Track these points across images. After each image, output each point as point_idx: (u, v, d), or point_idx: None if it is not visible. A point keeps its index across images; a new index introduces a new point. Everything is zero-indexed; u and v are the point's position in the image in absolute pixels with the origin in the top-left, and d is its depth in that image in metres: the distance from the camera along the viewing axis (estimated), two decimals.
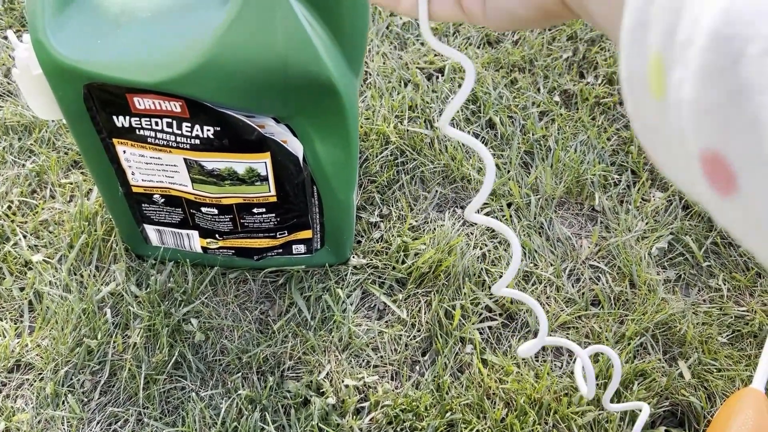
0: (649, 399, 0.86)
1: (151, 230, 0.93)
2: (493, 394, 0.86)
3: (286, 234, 0.92)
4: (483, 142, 1.13)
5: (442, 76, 1.21)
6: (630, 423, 0.85)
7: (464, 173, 1.08)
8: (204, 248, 0.95)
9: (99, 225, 0.99)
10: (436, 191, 1.07)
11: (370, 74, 1.21)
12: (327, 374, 0.88)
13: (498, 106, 1.17)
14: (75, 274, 0.96)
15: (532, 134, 1.14)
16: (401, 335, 0.92)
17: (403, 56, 1.24)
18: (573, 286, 0.97)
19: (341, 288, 0.95)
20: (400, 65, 1.22)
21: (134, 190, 0.87)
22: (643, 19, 0.20)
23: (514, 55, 1.24)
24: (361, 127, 1.12)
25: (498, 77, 1.21)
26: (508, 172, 1.09)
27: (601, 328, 0.92)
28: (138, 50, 0.73)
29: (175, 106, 0.75)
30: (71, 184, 1.05)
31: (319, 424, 0.83)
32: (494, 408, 0.85)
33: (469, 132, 1.14)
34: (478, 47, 1.26)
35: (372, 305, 0.95)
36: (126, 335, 0.91)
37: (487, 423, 0.83)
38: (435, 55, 1.24)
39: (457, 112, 1.16)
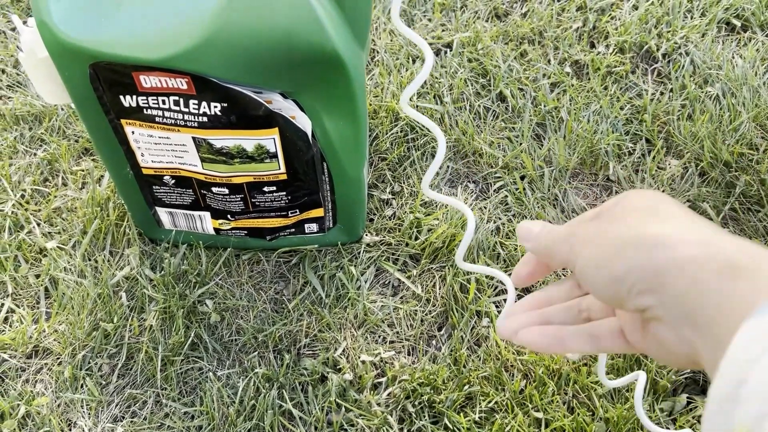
0: (667, 368, 0.85)
1: (163, 213, 0.93)
2: (511, 366, 0.86)
3: (298, 213, 0.92)
4: (494, 116, 1.12)
5: (451, 50, 1.20)
6: (651, 391, 0.84)
7: (475, 147, 1.07)
8: (216, 230, 0.94)
9: (111, 210, 0.99)
10: (448, 166, 1.06)
11: (378, 52, 1.20)
12: (343, 351, 0.87)
13: (508, 79, 1.15)
14: (89, 260, 0.96)
15: (544, 106, 1.12)
16: (416, 311, 0.91)
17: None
18: None
19: (355, 266, 0.94)
20: (407, 42, 1.21)
21: (144, 171, 0.87)
22: (734, 396, 0.24)
23: (523, 27, 1.22)
24: (370, 104, 1.11)
25: (507, 50, 1.20)
26: (521, 144, 1.07)
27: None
28: (142, 27, 0.72)
29: (181, 83, 0.74)
30: (83, 171, 1.05)
31: (337, 399, 0.83)
32: (512, 380, 0.84)
33: (479, 105, 1.13)
34: (487, 21, 1.25)
35: (386, 282, 0.95)
36: (142, 318, 0.91)
37: (506, 395, 0.83)
38: (443, 30, 1.23)
39: (467, 86, 1.15)
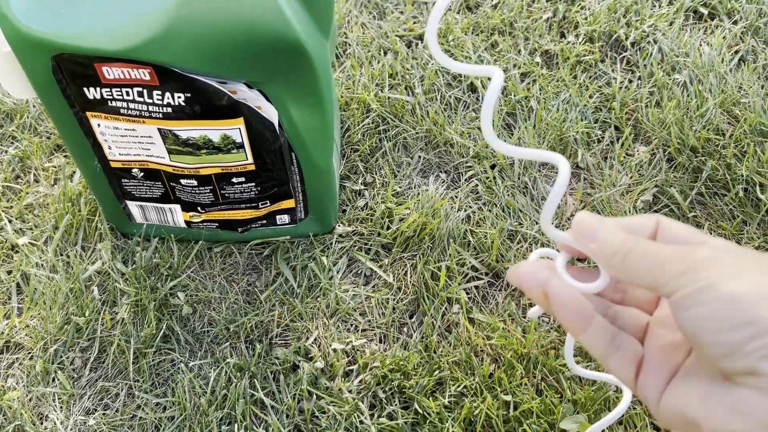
0: None
1: (133, 206, 0.93)
2: (481, 350, 0.86)
3: (269, 204, 0.92)
4: (465, 107, 1.13)
5: (422, 42, 1.21)
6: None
7: (447, 137, 1.08)
8: (188, 222, 0.95)
9: (83, 206, 1.00)
10: (420, 156, 1.07)
11: (350, 44, 1.20)
12: (315, 340, 0.88)
13: None
14: (61, 255, 0.96)
15: (514, 95, 1.13)
16: (388, 299, 0.92)
17: (382, 25, 1.23)
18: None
19: (327, 256, 0.95)
20: (379, 34, 1.22)
21: (112, 164, 0.87)
22: None
23: (494, 18, 1.23)
24: (342, 96, 1.11)
25: (478, 41, 1.21)
26: None
27: None
28: (103, 18, 0.73)
29: (144, 74, 0.74)
30: (55, 167, 1.05)
31: (308, 388, 0.83)
32: (482, 364, 0.85)
33: (450, 96, 1.13)
34: (458, 12, 1.26)
35: (358, 271, 0.95)
36: (114, 312, 0.91)
37: (476, 379, 0.84)
38: (414, 23, 1.24)
39: (438, 77, 1.16)
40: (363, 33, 1.21)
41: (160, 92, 0.76)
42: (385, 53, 1.19)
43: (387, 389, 0.83)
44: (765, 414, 0.26)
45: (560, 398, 0.83)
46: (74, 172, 1.04)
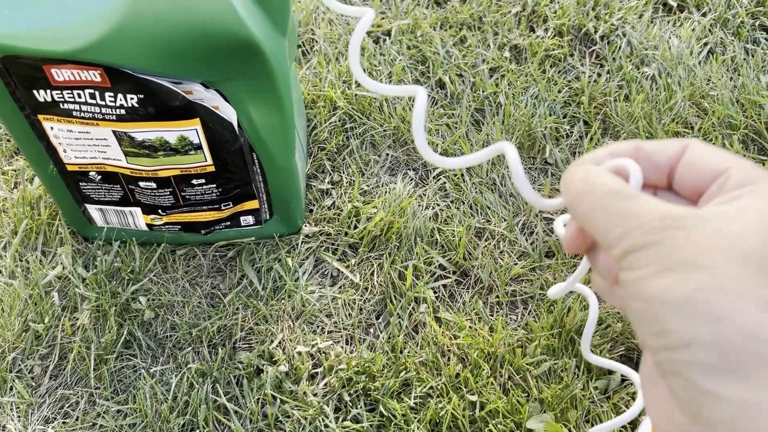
0: (604, 345, 0.86)
1: (93, 210, 0.91)
2: (448, 350, 0.85)
3: (232, 205, 0.91)
4: (432, 102, 1.12)
5: (390, 38, 1.19)
6: (586, 370, 0.84)
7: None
8: (149, 225, 0.93)
9: (43, 209, 0.97)
10: (387, 154, 1.06)
11: (317, 41, 1.19)
12: (280, 343, 0.87)
13: (447, 65, 1.15)
14: (21, 260, 0.94)
15: (482, 91, 1.12)
16: (355, 300, 0.91)
17: (350, 21, 1.22)
18: (526, 240, 0.96)
19: (292, 257, 0.94)
20: (347, 30, 1.20)
21: (69, 168, 0.85)
22: None
23: (462, 14, 1.22)
24: (308, 94, 1.10)
25: (446, 36, 1.19)
26: (458, 129, 1.07)
27: (555, 278, 0.91)
28: (50, 19, 0.71)
29: (95, 76, 0.73)
30: (15, 171, 1.03)
31: (272, 392, 0.82)
32: (448, 364, 0.84)
33: None
34: (426, 7, 1.24)
35: (325, 272, 0.94)
36: (74, 318, 0.89)
37: (442, 379, 0.83)
38: (382, 18, 1.22)
39: (406, 73, 1.14)
40: (330, 29, 1.20)
41: (112, 94, 0.75)
42: None
43: (352, 392, 0.82)
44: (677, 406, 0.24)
45: (527, 397, 0.82)
46: (34, 176, 1.02)
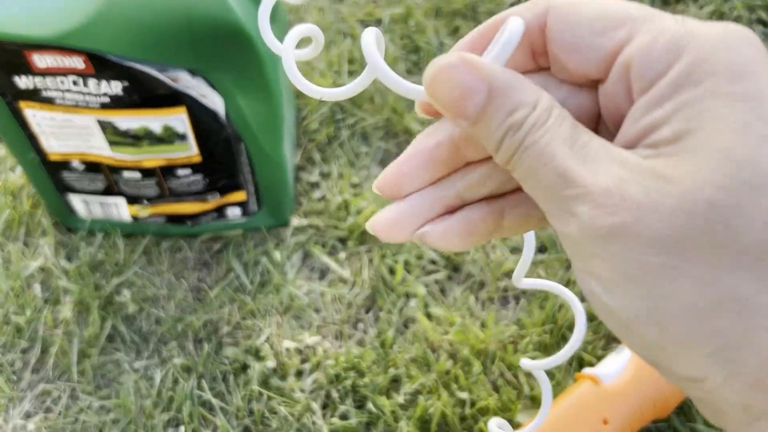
0: (596, 341, 0.84)
1: (76, 200, 0.89)
2: (438, 346, 0.84)
3: (219, 196, 0.89)
4: None
5: (383, 26, 1.17)
6: (577, 367, 0.83)
7: (406, 126, 1.05)
8: (134, 217, 0.91)
9: (25, 199, 0.95)
10: (379, 146, 1.04)
11: None
12: (267, 338, 0.85)
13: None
14: (2, 251, 0.92)
15: None
16: (344, 294, 0.89)
17: (341, 9, 1.19)
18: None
19: (280, 250, 0.92)
20: (338, 18, 1.18)
21: (51, 157, 0.83)
22: None
23: (456, 3, 1.20)
24: None
25: (440, 26, 1.17)
26: None
27: (547, 273, 0.90)
28: (31, 3, 0.69)
29: (78, 62, 0.70)
30: None
31: (259, 388, 0.80)
32: (438, 360, 0.82)
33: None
34: None
35: (314, 266, 0.92)
36: (57, 310, 0.87)
37: (432, 376, 0.81)
38: (375, 6, 1.20)
39: (398, 63, 1.12)
40: (321, 17, 1.17)
41: (96, 81, 0.72)
42: (344, 38, 1.15)
43: (340, 388, 0.81)
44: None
45: (518, 394, 0.80)
46: (16, 165, 0.99)
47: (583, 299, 0.49)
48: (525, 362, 0.46)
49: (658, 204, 0.19)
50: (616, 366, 0.51)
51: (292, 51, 0.29)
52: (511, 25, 0.23)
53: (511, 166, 0.23)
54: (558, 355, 0.46)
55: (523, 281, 0.42)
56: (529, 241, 0.38)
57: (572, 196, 0.20)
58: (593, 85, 0.23)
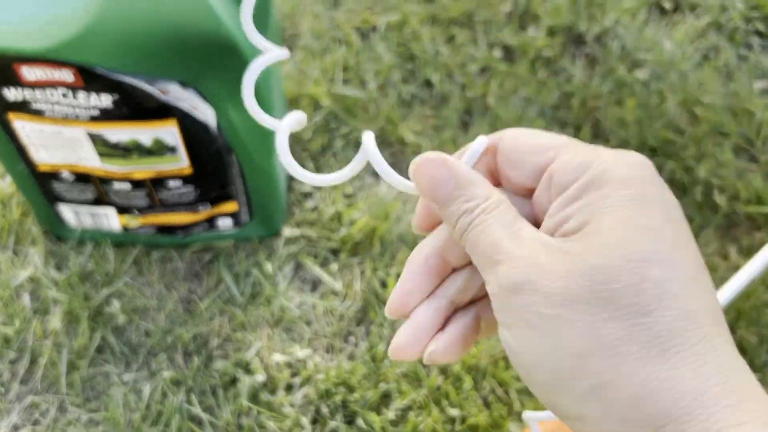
0: None
1: (66, 210, 0.88)
2: None
3: (210, 207, 0.88)
4: (420, 102, 1.09)
5: (378, 33, 1.17)
6: None
7: (400, 136, 1.04)
8: (124, 227, 0.90)
9: (15, 207, 0.94)
10: None
11: (301, 36, 1.16)
12: (257, 351, 0.84)
13: (435, 64, 1.12)
14: None
15: (471, 92, 1.09)
16: (336, 307, 0.89)
17: (335, 16, 1.19)
18: None
19: (272, 261, 0.91)
20: (333, 25, 1.17)
21: (41, 168, 0.82)
22: None
23: (452, 11, 1.19)
24: (291, 91, 1.07)
25: (436, 34, 1.17)
26: (445, 132, 1.05)
27: None
28: (21, 16, 0.68)
29: (68, 75, 0.70)
30: None
31: (248, 402, 0.80)
32: (429, 376, 0.82)
33: (405, 93, 1.10)
34: (417, 3, 1.21)
35: (305, 278, 0.92)
36: (46, 321, 0.86)
37: (423, 391, 0.81)
38: (371, 13, 1.19)
39: (393, 72, 1.12)
40: (316, 24, 1.17)
41: (85, 93, 0.72)
42: (339, 45, 1.15)
43: (330, 404, 0.80)
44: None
45: (509, 410, 0.80)
46: (6, 173, 0.98)
47: None
48: (528, 414, 0.50)
49: (557, 268, 0.25)
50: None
51: (287, 131, 0.32)
52: (478, 140, 0.31)
53: (462, 241, 0.29)
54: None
55: None
56: None
57: (497, 260, 0.26)
58: (529, 194, 0.30)
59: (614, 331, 0.24)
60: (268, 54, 0.32)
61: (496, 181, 0.31)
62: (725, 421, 0.23)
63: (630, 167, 0.26)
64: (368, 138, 0.33)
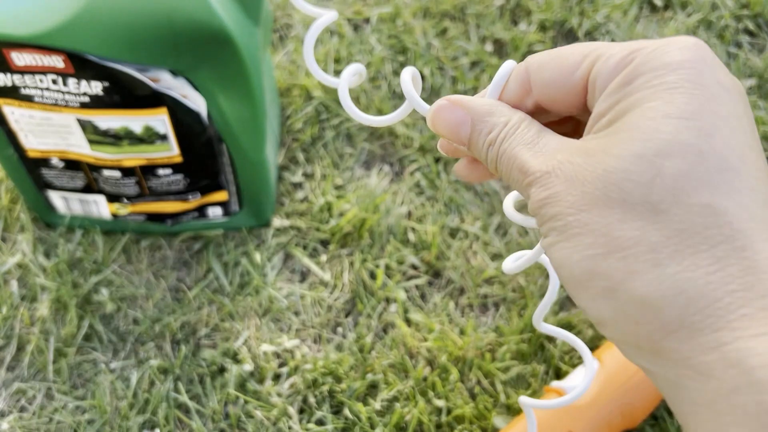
0: (573, 351, 0.85)
1: (55, 197, 0.88)
2: (417, 353, 0.84)
3: (199, 196, 0.88)
4: None
5: (370, 25, 1.17)
6: (555, 376, 0.83)
7: (391, 128, 1.04)
8: (114, 214, 0.90)
9: (4, 193, 0.94)
10: (363, 147, 1.03)
11: (294, 27, 1.16)
12: (245, 341, 0.85)
13: (427, 57, 1.13)
14: None
15: (462, 85, 1.10)
16: (324, 297, 0.89)
17: (328, 7, 1.18)
18: (500, 241, 0.94)
19: (261, 251, 0.91)
20: None
21: (30, 154, 0.82)
22: None
23: (444, 4, 1.19)
24: (283, 81, 1.07)
25: (428, 27, 1.17)
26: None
27: (527, 281, 0.90)
28: (10, 1, 0.67)
29: (58, 61, 0.69)
30: None
31: (236, 391, 0.80)
32: (416, 367, 0.82)
33: (397, 84, 1.10)
34: None
35: (294, 268, 0.92)
36: (34, 308, 0.86)
37: (409, 383, 0.81)
38: (363, 5, 1.19)
39: (384, 64, 1.12)
40: (307, 15, 1.16)
41: (76, 80, 0.71)
42: (331, 36, 1.15)
43: (317, 393, 0.81)
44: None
45: (494, 402, 0.81)
46: None
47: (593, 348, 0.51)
48: (524, 399, 0.52)
49: (577, 175, 0.25)
50: (583, 378, 0.53)
51: (346, 85, 0.36)
52: (503, 67, 0.31)
53: (498, 173, 0.30)
54: (560, 399, 0.50)
55: (542, 325, 0.45)
56: (553, 285, 0.40)
57: (527, 183, 0.27)
58: (584, 112, 0.29)
59: (626, 233, 0.23)
60: (323, 17, 0.36)
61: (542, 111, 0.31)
62: (742, 331, 0.21)
63: (681, 50, 0.24)
64: (406, 75, 0.34)
